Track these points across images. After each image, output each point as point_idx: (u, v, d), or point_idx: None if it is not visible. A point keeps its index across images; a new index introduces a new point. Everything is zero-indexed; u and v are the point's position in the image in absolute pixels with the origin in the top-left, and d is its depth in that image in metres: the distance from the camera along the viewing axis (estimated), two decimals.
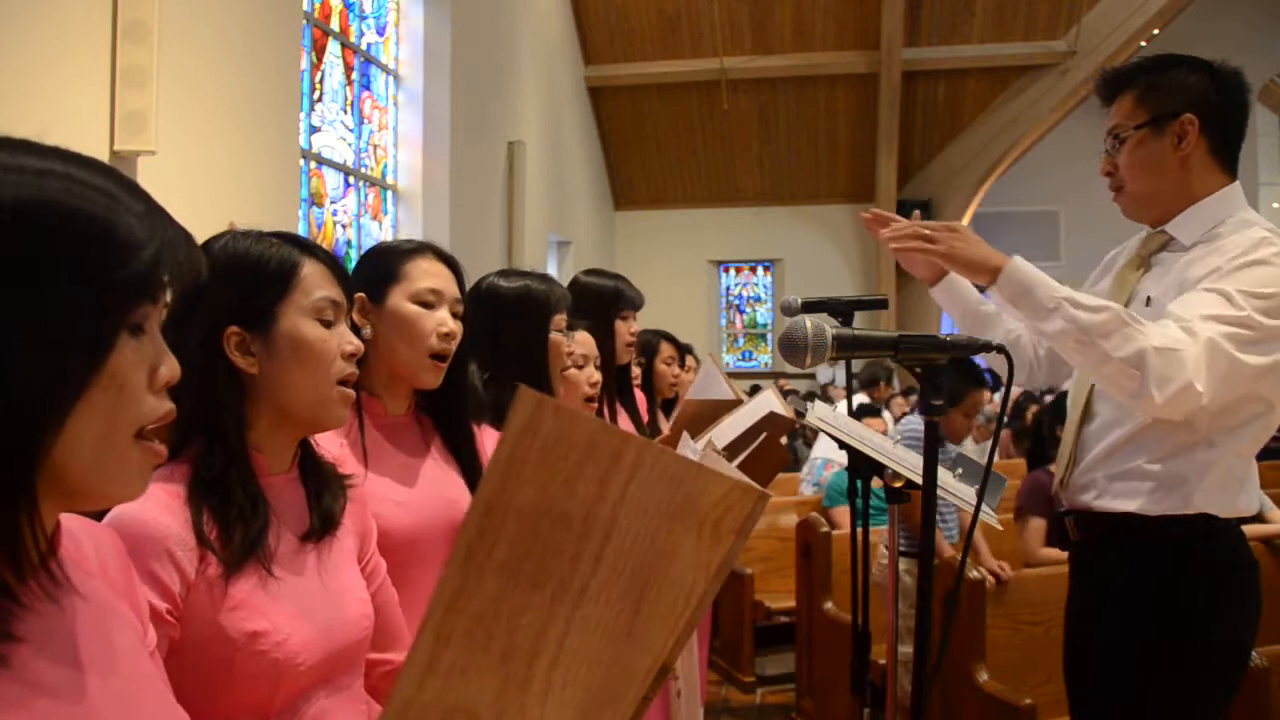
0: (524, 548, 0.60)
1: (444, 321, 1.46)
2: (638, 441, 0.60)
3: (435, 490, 1.46)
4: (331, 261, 1.14)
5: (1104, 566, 1.75)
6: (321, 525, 1.12)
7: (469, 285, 1.64)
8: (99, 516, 0.97)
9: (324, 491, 1.15)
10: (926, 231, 1.64)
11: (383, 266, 1.48)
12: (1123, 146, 1.75)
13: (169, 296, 0.71)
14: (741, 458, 2.11)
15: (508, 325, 1.81)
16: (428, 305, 1.46)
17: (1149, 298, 1.73)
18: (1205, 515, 1.64)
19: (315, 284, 1.11)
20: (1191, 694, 1.64)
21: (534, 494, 0.59)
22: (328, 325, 1.11)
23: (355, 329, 1.20)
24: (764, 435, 2.25)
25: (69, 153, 0.68)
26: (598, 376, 2.13)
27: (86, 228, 0.64)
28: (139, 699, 0.75)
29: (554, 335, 1.84)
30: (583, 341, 2.12)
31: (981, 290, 1.86)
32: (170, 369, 0.70)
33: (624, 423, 2.52)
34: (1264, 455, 1.84)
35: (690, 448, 1.91)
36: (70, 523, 0.79)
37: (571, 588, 0.61)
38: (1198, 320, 1.54)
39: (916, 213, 1.92)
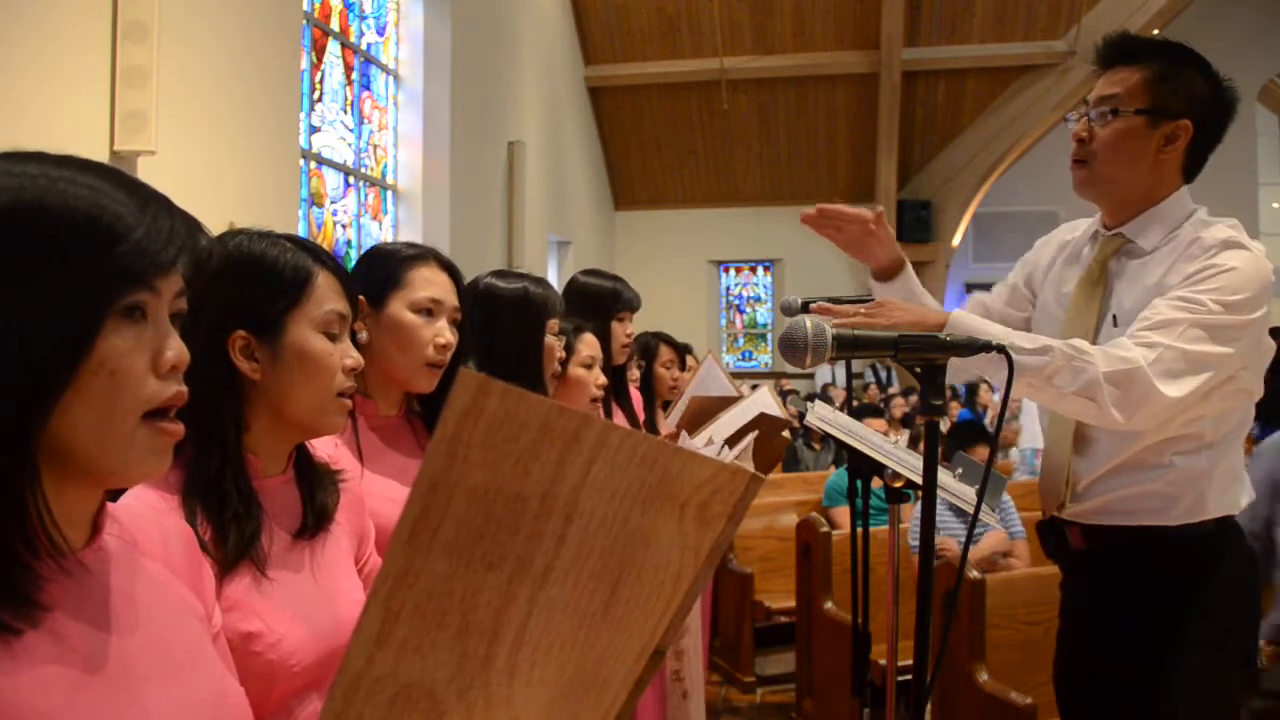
0: (475, 528, 0.59)
1: (441, 332, 1.46)
2: (600, 423, 0.59)
3: None
4: (341, 272, 1.14)
5: (1115, 573, 1.73)
6: (315, 522, 1.12)
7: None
8: None
9: (317, 490, 1.15)
10: (864, 309, 1.62)
11: (384, 271, 1.48)
12: (1111, 120, 1.67)
13: (178, 283, 0.72)
14: (738, 450, 2.11)
15: (504, 327, 1.81)
16: (427, 314, 1.46)
17: (1114, 316, 1.70)
18: (1215, 516, 1.65)
19: (326, 296, 1.10)
20: (1219, 689, 1.64)
21: (483, 475, 0.58)
22: (333, 338, 1.11)
23: (352, 332, 1.20)
24: (755, 433, 2.27)
25: (61, 156, 0.71)
26: (604, 379, 2.15)
27: (67, 222, 0.67)
28: (183, 673, 0.76)
29: (547, 339, 1.85)
30: (590, 344, 2.13)
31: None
32: (177, 353, 0.71)
33: (620, 423, 2.52)
34: None
35: (692, 448, 1.91)
36: (140, 508, 0.85)
37: (532, 569, 0.60)
38: (1163, 329, 1.53)
39: (880, 209, 1.92)
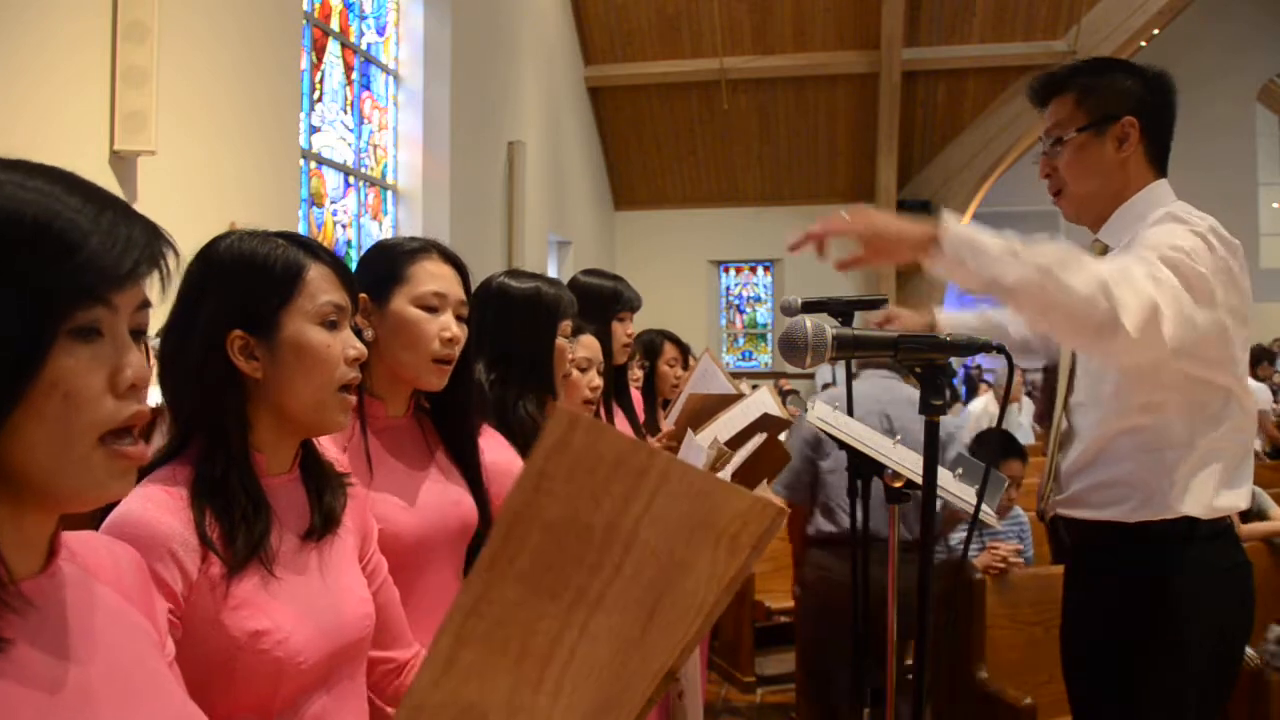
0: (546, 558, 0.61)
1: (447, 326, 1.44)
2: (665, 457, 0.61)
3: (440, 493, 1.46)
4: (337, 264, 1.13)
5: (1094, 572, 1.76)
6: (323, 525, 1.12)
7: (472, 286, 1.63)
8: (102, 515, 0.98)
9: (325, 491, 1.15)
10: (843, 214, 1.58)
11: (386, 266, 1.46)
12: (1063, 149, 1.76)
13: (139, 296, 0.69)
14: (743, 454, 2.10)
15: (516, 327, 1.80)
16: (431, 309, 1.44)
17: None
18: (1187, 518, 1.64)
19: (320, 288, 1.10)
20: (1184, 695, 1.64)
21: (561, 508, 0.60)
22: (332, 329, 1.10)
23: (357, 330, 1.20)
24: (763, 436, 2.25)
25: (12, 161, 0.67)
26: (599, 382, 2.13)
27: (13, 231, 0.63)
28: (141, 697, 0.75)
29: (559, 340, 1.84)
30: (588, 345, 2.12)
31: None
32: (136, 371, 0.68)
33: (620, 424, 2.52)
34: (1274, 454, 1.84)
35: (696, 446, 1.91)
36: (93, 538, 0.82)
37: (588, 597, 0.62)
38: (1126, 259, 1.52)
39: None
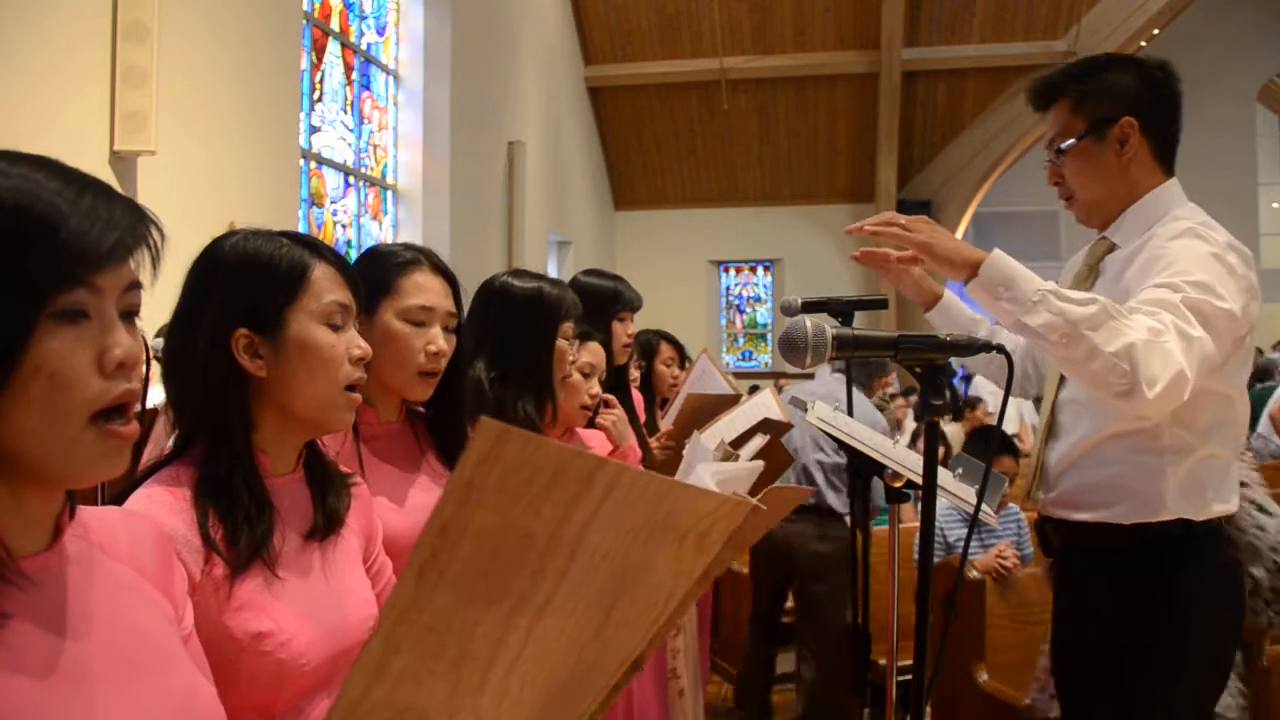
0: (480, 566, 0.60)
1: (433, 340, 1.43)
2: (614, 466, 0.60)
3: (430, 497, 1.46)
4: (342, 264, 1.13)
5: (1085, 574, 1.75)
6: (326, 525, 1.12)
7: (473, 285, 1.62)
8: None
9: (329, 491, 1.15)
10: (903, 220, 1.61)
11: (376, 275, 1.45)
12: (1065, 157, 1.76)
13: (126, 276, 0.69)
14: (746, 455, 2.10)
15: (516, 326, 1.79)
16: (417, 323, 1.43)
17: None
18: (1182, 520, 1.64)
19: (325, 288, 1.10)
20: (1179, 695, 1.64)
21: (494, 518, 0.58)
22: (336, 329, 1.10)
23: None
24: (765, 439, 2.25)
25: None
26: (599, 390, 2.12)
27: None
28: (145, 672, 0.75)
29: (560, 342, 1.83)
30: (593, 352, 2.10)
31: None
32: (125, 350, 0.68)
33: None
34: None
35: (703, 447, 1.91)
36: (111, 514, 0.83)
37: (532, 602, 0.61)
38: (1161, 311, 1.51)
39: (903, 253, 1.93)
